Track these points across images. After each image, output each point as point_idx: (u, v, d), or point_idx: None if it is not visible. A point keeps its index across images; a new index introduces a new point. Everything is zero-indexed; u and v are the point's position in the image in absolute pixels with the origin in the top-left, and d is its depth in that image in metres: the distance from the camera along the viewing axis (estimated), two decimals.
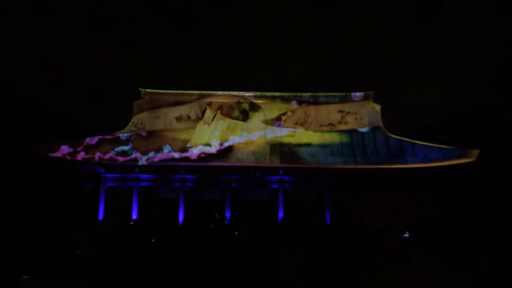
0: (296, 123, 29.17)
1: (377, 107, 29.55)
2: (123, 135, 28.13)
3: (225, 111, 29.58)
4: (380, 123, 29.16)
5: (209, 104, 29.78)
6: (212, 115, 29.05)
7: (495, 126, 29.50)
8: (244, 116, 29.38)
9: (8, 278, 4.58)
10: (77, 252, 6.27)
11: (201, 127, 28.80)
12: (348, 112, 29.64)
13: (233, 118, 29.31)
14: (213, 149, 27.66)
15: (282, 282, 5.96)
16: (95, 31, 73.25)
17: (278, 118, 29.38)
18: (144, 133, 28.47)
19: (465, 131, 30.74)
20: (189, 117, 29.41)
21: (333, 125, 29.21)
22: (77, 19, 73.66)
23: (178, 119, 29.24)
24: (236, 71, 70.41)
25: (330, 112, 29.70)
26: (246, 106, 29.86)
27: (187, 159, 27.25)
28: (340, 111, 29.72)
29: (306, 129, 28.87)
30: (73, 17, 72.99)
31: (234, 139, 28.24)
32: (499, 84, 32.30)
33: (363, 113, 29.59)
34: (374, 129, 28.88)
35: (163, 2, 79.70)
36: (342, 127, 29.10)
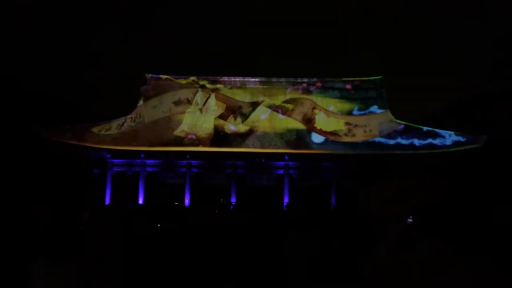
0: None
1: (383, 92, 29.21)
2: (127, 120, 28.19)
3: (231, 96, 29.40)
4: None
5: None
6: (214, 100, 28.80)
7: (501, 114, 29.01)
8: (250, 101, 29.11)
9: (18, 263, 4.64)
10: (83, 235, 6.35)
11: (203, 111, 28.63)
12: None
13: (238, 103, 29.14)
14: (218, 134, 27.68)
15: (287, 268, 6.01)
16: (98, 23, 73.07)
17: (285, 103, 28.99)
18: (147, 118, 28.41)
19: (472, 118, 30.32)
20: (188, 100, 29.12)
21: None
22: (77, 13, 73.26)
23: (177, 103, 28.97)
24: (236, 71, 69.86)
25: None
26: (251, 90, 29.67)
27: (189, 143, 27.31)
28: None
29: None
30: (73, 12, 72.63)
31: (239, 125, 28.22)
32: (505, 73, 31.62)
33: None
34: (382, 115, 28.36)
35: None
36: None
